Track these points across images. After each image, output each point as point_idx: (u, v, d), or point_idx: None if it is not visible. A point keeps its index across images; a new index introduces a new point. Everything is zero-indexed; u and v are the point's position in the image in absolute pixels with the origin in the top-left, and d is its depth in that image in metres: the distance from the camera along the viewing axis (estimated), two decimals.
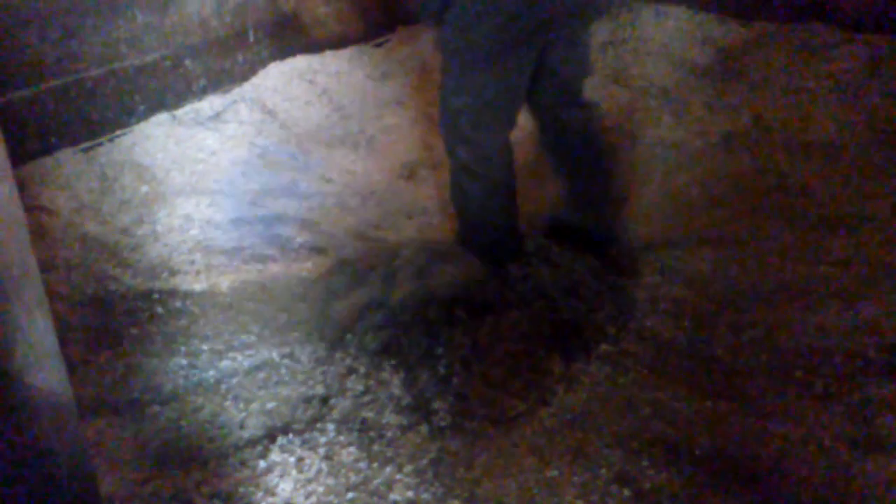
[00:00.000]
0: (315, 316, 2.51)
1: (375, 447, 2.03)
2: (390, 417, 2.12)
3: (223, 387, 2.26)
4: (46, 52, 3.10)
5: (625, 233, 2.80)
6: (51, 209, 2.91)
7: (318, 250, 2.88)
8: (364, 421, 2.11)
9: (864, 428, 2.01)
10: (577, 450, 2.00)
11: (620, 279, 2.62)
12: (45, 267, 2.63)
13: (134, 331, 2.47)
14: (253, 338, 2.45)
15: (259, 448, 2.04)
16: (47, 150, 3.15)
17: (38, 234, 2.76)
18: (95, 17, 3.21)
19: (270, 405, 2.18)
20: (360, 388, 2.21)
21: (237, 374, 2.30)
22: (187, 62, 3.59)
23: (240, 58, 3.81)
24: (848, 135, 3.35)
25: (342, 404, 2.16)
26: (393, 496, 1.90)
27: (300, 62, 3.96)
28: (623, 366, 2.28)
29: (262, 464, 2.00)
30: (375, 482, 1.94)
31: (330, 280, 2.63)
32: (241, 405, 2.19)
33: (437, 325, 2.38)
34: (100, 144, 3.30)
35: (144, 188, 3.12)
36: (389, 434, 2.07)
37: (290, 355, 2.35)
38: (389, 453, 2.02)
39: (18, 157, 3.03)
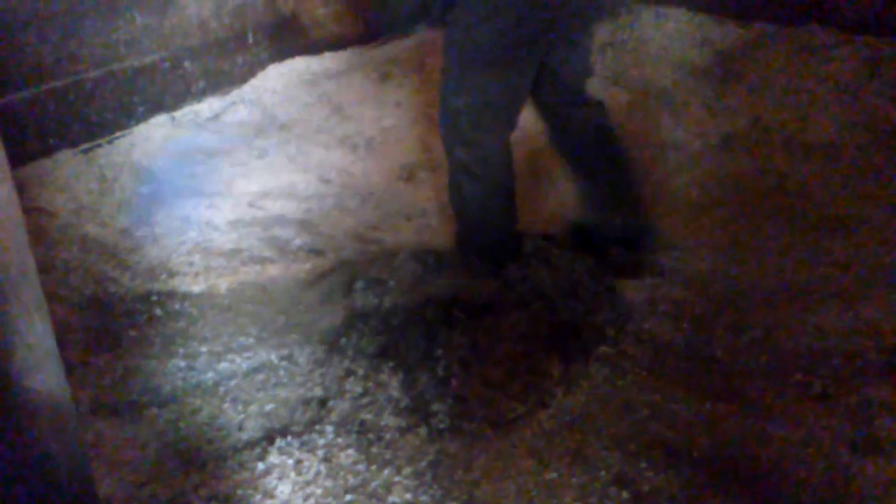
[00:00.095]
0: (313, 318, 2.50)
1: (374, 449, 2.03)
2: (389, 419, 2.11)
3: (221, 389, 2.25)
4: (45, 53, 3.10)
5: (655, 230, 2.76)
6: (50, 210, 2.91)
7: (316, 252, 2.87)
8: (363, 423, 2.11)
9: (863, 429, 2.01)
10: (576, 452, 2.00)
11: (620, 280, 2.62)
12: (44, 268, 2.62)
13: (132, 333, 2.47)
14: (251, 340, 2.45)
15: (257, 450, 2.04)
16: (46, 152, 3.15)
17: (37, 235, 2.76)
18: (94, 19, 3.22)
19: (269, 407, 2.18)
20: (359, 390, 2.21)
21: (236, 376, 2.30)
22: (186, 64, 3.59)
23: (239, 59, 3.81)
24: (847, 136, 3.35)
25: (341, 406, 2.16)
26: (391, 498, 1.90)
27: (299, 64, 3.96)
28: (622, 367, 2.28)
29: (260, 466, 1.99)
30: (374, 484, 1.94)
31: (328, 282, 2.63)
32: (240, 407, 2.19)
33: (435, 326, 2.38)
34: (99, 146, 3.30)
35: (143, 190, 3.12)
36: (388, 436, 2.07)
37: (289, 357, 2.35)
38: (388, 455, 2.01)
39: (17, 159, 3.03)
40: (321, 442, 2.05)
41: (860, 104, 3.49)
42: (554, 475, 1.93)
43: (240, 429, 2.12)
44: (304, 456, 2.01)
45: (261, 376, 2.29)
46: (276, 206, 3.14)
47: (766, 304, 2.50)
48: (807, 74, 3.72)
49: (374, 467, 1.98)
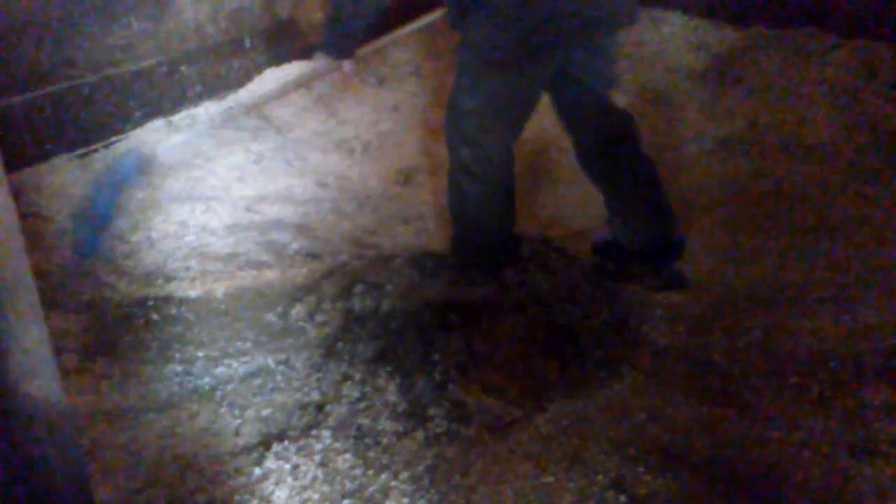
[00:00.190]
0: (310, 322, 2.50)
1: (371, 454, 2.03)
2: (386, 424, 2.11)
3: (218, 394, 2.25)
4: (42, 58, 3.10)
5: (682, 244, 2.71)
6: (46, 215, 2.91)
7: (313, 256, 2.88)
8: (360, 427, 2.10)
9: (860, 432, 2.01)
10: (574, 456, 2.00)
11: (618, 284, 2.62)
12: (40, 274, 2.62)
13: (129, 338, 2.47)
14: (248, 344, 2.44)
15: (254, 455, 2.03)
16: (43, 157, 3.15)
17: (34, 240, 2.76)
18: (91, 24, 3.21)
19: (266, 412, 2.18)
20: (356, 394, 2.21)
21: (232, 380, 2.30)
22: (183, 68, 3.59)
23: (235, 64, 3.81)
24: (844, 138, 3.36)
25: (338, 411, 2.16)
26: (389, 503, 1.90)
27: (296, 68, 3.96)
28: (619, 371, 2.28)
29: (257, 471, 1.99)
30: (371, 489, 1.93)
31: (325, 286, 2.62)
32: (237, 412, 2.18)
33: (432, 330, 2.38)
34: (95, 151, 3.29)
35: (140, 194, 3.11)
36: (385, 441, 2.07)
37: (286, 362, 2.35)
38: (385, 460, 2.01)
39: (14, 164, 3.03)
40: (318, 447, 2.05)
41: (857, 107, 3.50)
42: (551, 479, 1.93)
43: (237, 434, 2.12)
44: (301, 461, 2.01)
45: (258, 381, 2.29)
46: (273, 211, 3.14)
47: (764, 306, 2.50)
48: (804, 77, 3.73)
49: (371, 472, 1.98)
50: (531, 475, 1.95)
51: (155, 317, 2.55)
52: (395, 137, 3.70)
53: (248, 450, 2.06)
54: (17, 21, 2.99)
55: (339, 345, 2.39)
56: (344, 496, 1.92)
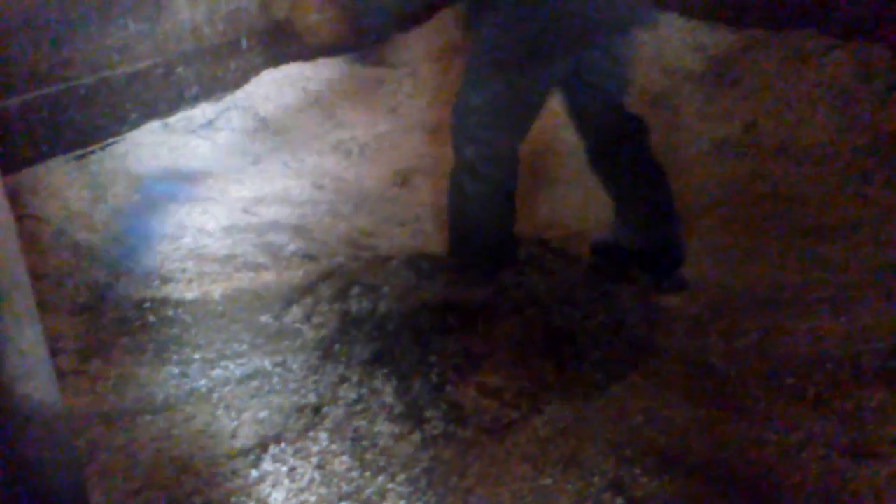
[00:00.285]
0: (307, 324, 2.50)
1: (368, 456, 2.03)
2: (383, 426, 2.11)
3: (215, 396, 2.25)
4: (38, 59, 3.09)
5: (684, 252, 2.69)
6: (42, 217, 2.90)
7: (310, 258, 2.87)
8: (357, 430, 2.10)
9: (857, 434, 2.01)
10: (571, 458, 1.99)
11: (615, 286, 2.62)
12: (36, 276, 2.62)
13: (125, 340, 2.46)
14: (245, 346, 2.44)
15: (251, 457, 2.03)
16: (39, 158, 3.14)
17: (29, 242, 2.75)
18: (87, 25, 3.21)
19: (263, 414, 2.18)
20: (353, 396, 2.21)
21: (229, 382, 2.29)
22: (179, 70, 3.59)
23: (232, 65, 3.81)
24: (841, 140, 3.36)
25: (335, 413, 2.16)
26: None
27: (293, 69, 3.96)
28: (617, 373, 2.28)
29: (254, 473, 1.99)
30: (368, 491, 1.93)
31: (322, 288, 2.62)
32: (233, 414, 2.18)
33: (429, 332, 2.38)
34: (92, 152, 3.29)
35: (136, 196, 3.11)
36: (382, 443, 2.06)
37: (283, 364, 2.34)
38: (382, 462, 2.01)
39: (10, 165, 3.02)
40: (315, 449, 2.05)
41: (855, 108, 3.50)
42: (548, 481, 1.93)
43: (233, 436, 2.11)
44: (297, 463, 2.01)
45: (254, 383, 2.28)
46: (269, 212, 3.14)
47: (762, 308, 2.50)
48: (801, 79, 3.74)
49: (368, 474, 1.98)
50: (528, 477, 1.95)
51: (151, 318, 2.55)
52: (393, 139, 3.70)
53: (244, 452, 2.05)
54: (14, 22, 2.99)
55: (336, 347, 2.39)
56: (341, 498, 1.91)
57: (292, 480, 1.96)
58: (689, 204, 3.10)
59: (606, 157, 2.60)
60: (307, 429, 2.11)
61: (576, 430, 2.09)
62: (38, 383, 1.27)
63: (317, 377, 2.29)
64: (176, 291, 2.67)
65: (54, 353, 2.31)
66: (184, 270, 2.77)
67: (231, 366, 2.36)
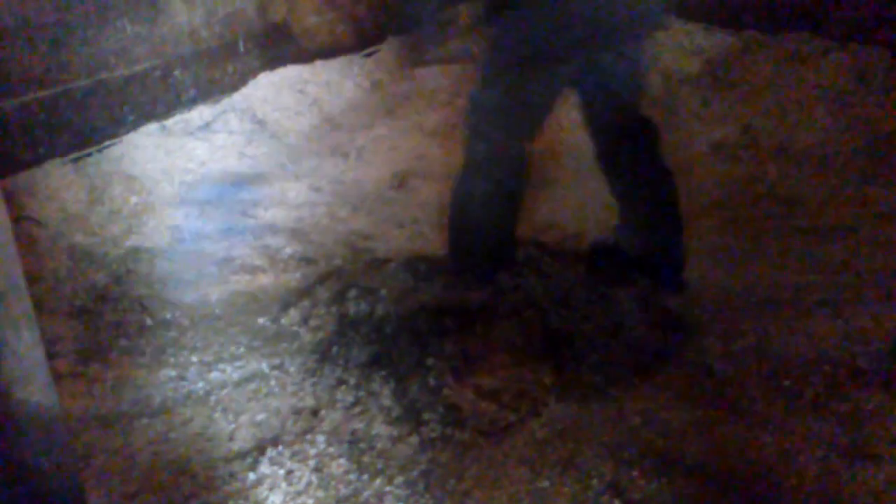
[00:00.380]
0: (305, 327, 2.50)
1: (365, 459, 2.02)
2: (380, 429, 2.11)
3: (212, 398, 2.25)
4: (35, 62, 3.09)
5: (683, 260, 2.67)
6: (39, 220, 2.90)
7: (307, 260, 2.87)
8: (354, 432, 2.10)
9: (855, 436, 2.01)
10: (568, 460, 1.99)
11: (613, 288, 2.62)
12: (33, 279, 2.61)
13: (123, 342, 2.46)
14: (242, 349, 2.44)
15: (249, 460, 2.03)
16: (36, 161, 3.14)
17: (26, 245, 2.75)
18: (84, 28, 3.21)
19: (260, 417, 2.17)
20: (351, 399, 2.20)
21: (227, 385, 2.29)
22: (177, 72, 3.59)
23: (229, 68, 3.81)
24: (837, 143, 3.36)
25: (332, 416, 2.15)
26: None
27: (290, 72, 3.96)
28: (614, 376, 2.28)
29: (251, 476, 1.98)
30: (366, 494, 1.93)
31: (320, 291, 2.62)
32: (231, 417, 2.18)
33: (427, 335, 2.37)
34: (89, 155, 3.29)
35: (133, 199, 3.11)
36: (380, 445, 2.06)
37: (280, 367, 2.34)
38: (380, 465, 2.01)
39: (6, 168, 3.02)
40: (312, 452, 2.05)
41: (851, 111, 3.51)
42: (546, 483, 1.93)
43: (231, 439, 2.11)
44: (295, 466, 2.00)
45: (252, 386, 2.28)
46: (267, 215, 3.14)
47: (758, 311, 2.50)
48: (798, 81, 3.74)
49: (365, 477, 1.97)
50: (526, 480, 1.94)
51: (148, 321, 2.55)
52: (390, 142, 3.70)
53: (242, 455, 2.05)
54: (12, 25, 2.99)
55: (334, 349, 2.38)
56: (338, 501, 1.91)
57: (290, 483, 1.96)
58: (688, 205, 3.10)
59: (615, 158, 2.59)
60: (305, 431, 2.11)
61: (574, 432, 2.09)
62: (36, 387, 1.27)
63: (314, 380, 2.29)
64: (173, 294, 2.67)
65: (51, 355, 2.31)
66: (181, 273, 2.77)
67: (228, 369, 2.36)
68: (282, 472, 1.99)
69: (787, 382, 2.21)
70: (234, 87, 3.83)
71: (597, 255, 2.76)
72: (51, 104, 3.16)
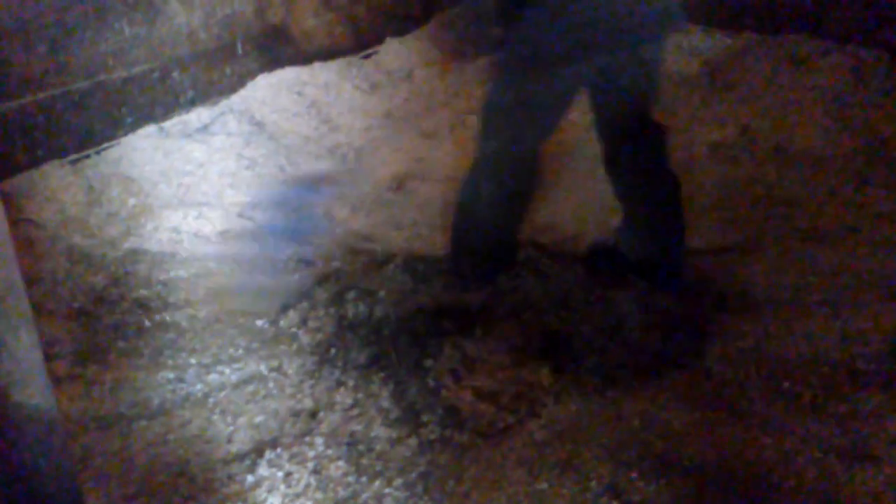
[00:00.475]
0: (303, 329, 2.50)
1: (364, 461, 2.02)
2: (379, 430, 2.11)
3: (211, 401, 2.24)
4: (34, 63, 3.09)
5: (683, 268, 2.68)
6: (37, 222, 2.90)
7: (306, 262, 2.87)
8: (353, 434, 2.10)
9: (853, 437, 2.01)
10: (567, 462, 1.99)
11: (611, 290, 2.61)
12: (31, 280, 2.61)
13: (121, 344, 2.46)
14: (241, 351, 2.44)
15: (247, 462, 2.03)
16: (34, 163, 3.13)
17: (25, 247, 2.75)
18: (83, 30, 3.21)
19: (258, 419, 2.17)
20: (349, 401, 2.20)
21: (225, 387, 2.29)
22: (175, 74, 3.58)
23: (228, 70, 3.80)
24: (834, 145, 3.36)
25: (331, 418, 2.15)
26: None
27: (288, 74, 3.96)
28: (612, 377, 2.28)
29: (250, 478, 1.98)
30: (364, 496, 1.93)
31: (318, 292, 2.62)
32: (229, 419, 2.18)
33: (425, 336, 2.37)
34: (87, 157, 3.28)
35: (132, 201, 3.11)
36: (378, 447, 2.06)
37: (279, 368, 2.34)
38: (378, 467, 2.01)
39: (5, 170, 3.02)
40: (311, 454, 2.05)
41: (848, 112, 3.51)
42: (545, 485, 1.93)
43: (229, 441, 2.11)
44: (293, 468, 2.00)
45: (250, 388, 2.28)
46: (265, 217, 3.14)
47: (756, 312, 2.50)
48: (794, 84, 3.74)
49: (364, 479, 1.97)
50: (525, 481, 1.94)
51: (147, 323, 2.55)
52: (388, 144, 3.70)
53: (240, 457, 2.05)
54: (9, 26, 2.98)
55: (332, 351, 2.38)
56: (337, 503, 1.91)
57: (288, 485, 1.96)
58: (686, 206, 3.10)
59: (622, 161, 2.59)
60: (303, 433, 2.11)
61: (572, 433, 2.09)
62: (34, 389, 1.26)
63: (313, 382, 2.29)
64: (171, 296, 2.67)
65: (49, 358, 2.31)
66: (179, 275, 2.77)
67: (227, 370, 2.36)
68: (280, 474, 1.99)
69: (786, 383, 2.21)
70: (233, 89, 3.83)
71: (596, 256, 2.76)
72: (49, 106, 3.16)
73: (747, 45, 4.08)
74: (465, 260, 2.64)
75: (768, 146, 3.43)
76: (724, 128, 3.57)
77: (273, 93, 3.85)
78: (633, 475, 1.94)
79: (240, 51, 3.83)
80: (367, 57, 4.32)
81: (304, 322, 2.52)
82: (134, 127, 3.46)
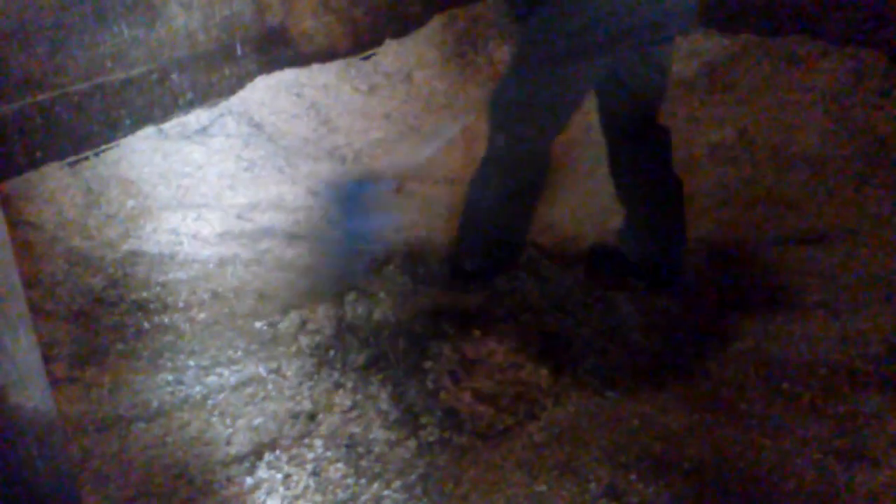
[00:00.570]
0: (302, 331, 2.50)
1: (363, 463, 2.02)
2: (378, 433, 2.11)
3: (210, 403, 2.24)
4: (32, 65, 3.08)
5: (683, 271, 2.69)
6: (36, 224, 2.90)
7: (305, 264, 2.87)
8: (352, 436, 2.10)
9: (852, 439, 2.01)
10: (566, 464, 1.99)
11: (610, 291, 2.62)
12: (30, 282, 2.61)
13: (120, 346, 2.46)
14: (239, 353, 2.44)
15: (246, 464, 2.02)
16: (33, 165, 3.13)
17: (23, 249, 2.75)
18: (81, 31, 3.21)
19: (257, 421, 2.17)
20: (348, 403, 2.20)
21: (224, 389, 2.29)
22: (174, 76, 3.58)
23: (227, 71, 3.80)
24: (833, 146, 3.37)
25: (330, 420, 2.15)
26: None
27: (287, 75, 3.96)
28: (611, 379, 2.28)
29: (249, 480, 1.98)
30: (363, 498, 1.93)
31: (317, 294, 2.62)
32: (228, 421, 2.18)
33: (424, 338, 2.37)
34: (86, 159, 3.28)
35: (130, 202, 3.11)
36: (377, 449, 2.06)
37: (277, 370, 2.34)
38: (377, 469, 2.00)
39: (3, 172, 3.01)
40: (310, 456, 2.04)
41: (846, 114, 3.51)
42: (544, 487, 1.93)
43: (228, 443, 2.11)
44: (292, 470, 2.00)
45: (249, 390, 2.28)
46: (264, 219, 3.13)
47: (755, 314, 2.50)
48: (793, 85, 3.75)
49: (363, 481, 1.97)
50: (524, 483, 1.94)
51: (146, 325, 2.54)
52: (387, 146, 3.70)
53: (239, 459, 2.05)
54: (8, 28, 2.98)
55: (331, 353, 2.38)
56: None
57: (287, 488, 1.96)
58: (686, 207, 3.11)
59: (627, 162, 2.59)
60: (302, 435, 2.10)
61: (571, 435, 2.09)
62: (32, 391, 1.26)
63: (312, 384, 2.29)
64: (170, 298, 2.66)
65: (48, 360, 2.31)
66: (178, 277, 2.77)
67: (226, 372, 2.35)
68: (279, 476, 1.99)
69: (784, 385, 2.21)
70: (232, 91, 3.83)
71: (595, 257, 2.76)
72: (48, 108, 3.16)
73: (746, 47, 4.08)
74: (470, 257, 2.63)
75: (767, 147, 3.43)
76: (723, 129, 3.58)
77: (272, 94, 3.85)
78: (633, 477, 1.94)
79: (239, 52, 3.83)
80: (366, 58, 4.32)
81: (303, 324, 2.52)
82: (133, 129, 3.46)
